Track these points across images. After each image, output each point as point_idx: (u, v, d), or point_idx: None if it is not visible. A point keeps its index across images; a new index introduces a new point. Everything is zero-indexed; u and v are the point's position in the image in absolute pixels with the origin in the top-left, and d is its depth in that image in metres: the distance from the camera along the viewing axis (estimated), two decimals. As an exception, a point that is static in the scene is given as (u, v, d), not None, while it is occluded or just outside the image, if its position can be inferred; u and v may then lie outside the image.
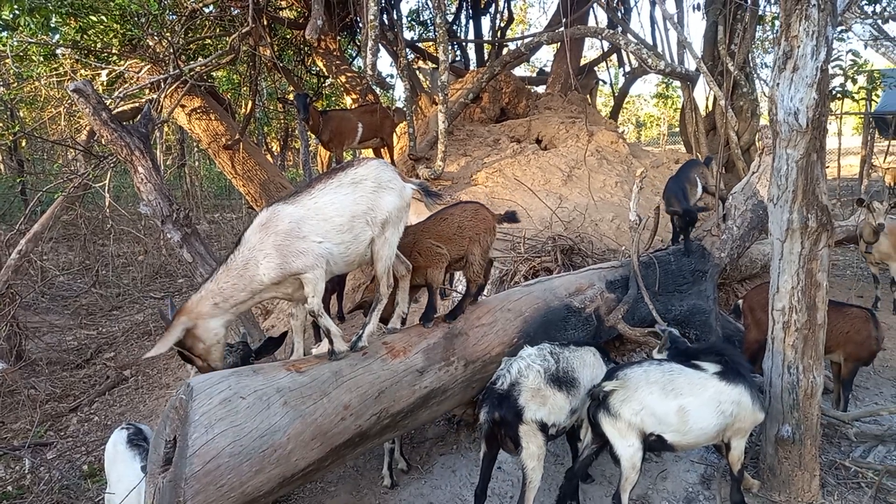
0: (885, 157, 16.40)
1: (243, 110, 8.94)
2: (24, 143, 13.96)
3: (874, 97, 14.36)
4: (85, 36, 6.60)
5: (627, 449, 3.40)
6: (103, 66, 6.83)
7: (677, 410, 3.37)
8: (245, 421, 2.68)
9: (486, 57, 11.37)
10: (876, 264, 7.01)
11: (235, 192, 18.96)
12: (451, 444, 4.74)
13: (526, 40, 8.66)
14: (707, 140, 8.20)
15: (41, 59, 6.89)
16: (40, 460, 5.48)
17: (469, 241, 3.75)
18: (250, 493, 2.68)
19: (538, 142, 8.56)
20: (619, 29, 8.98)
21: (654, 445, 3.48)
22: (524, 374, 3.46)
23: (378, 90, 8.30)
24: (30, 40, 6.23)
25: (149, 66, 7.39)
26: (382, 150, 7.94)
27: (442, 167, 7.46)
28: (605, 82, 13.82)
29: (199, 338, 2.94)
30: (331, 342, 3.15)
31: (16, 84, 7.67)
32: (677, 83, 11.30)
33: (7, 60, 8.12)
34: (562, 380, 3.54)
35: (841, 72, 9.73)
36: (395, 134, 8.00)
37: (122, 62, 7.30)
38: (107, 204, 7.47)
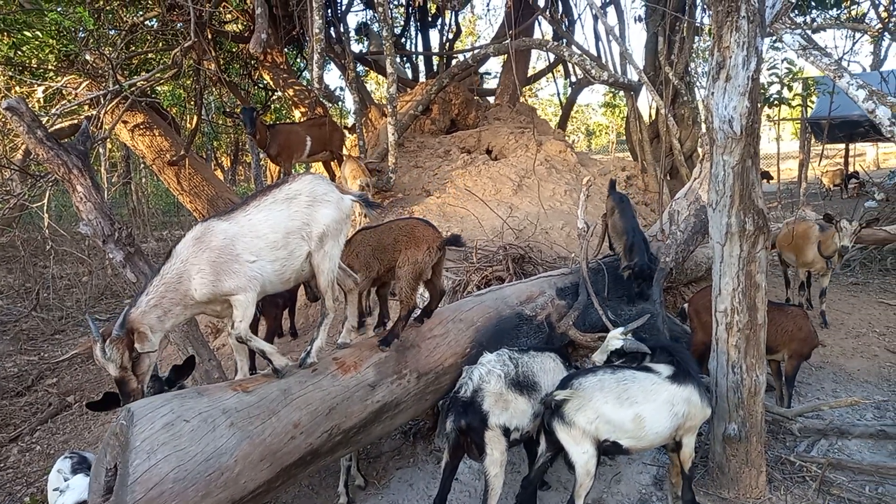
0: (821, 161, 17.11)
1: (189, 125, 8.76)
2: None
3: (809, 103, 14.98)
4: (19, 52, 6.37)
5: (582, 455, 3.43)
6: (39, 82, 6.60)
7: (633, 418, 3.42)
8: (189, 444, 2.61)
9: (434, 69, 11.44)
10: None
11: (184, 209, 18.56)
12: (408, 457, 4.71)
13: (473, 52, 8.75)
14: (651, 147, 8.42)
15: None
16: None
17: (400, 256, 3.66)
18: (197, 519, 2.60)
19: (488, 152, 8.64)
20: (564, 41, 9.16)
21: (609, 450, 3.53)
22: (486, 379, 3.49)
23: (327, 103, 8.24)
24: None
25: (87, 82, 7.17)
26: (332, 163, 7.89)
27: (393, 179, 7.45)
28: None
29: (149, 353, 2.81)
30: (270, 362, 3.09)
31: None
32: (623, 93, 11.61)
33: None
34: (522, 384, 3.58)
35: (777, 80, 10.13)
36: (345, 147, 7.95)
37: (60, 78, 7.07)
38: (45, 224, 7.19)
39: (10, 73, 6.58)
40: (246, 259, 2.92)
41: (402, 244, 3.69)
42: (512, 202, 7.27)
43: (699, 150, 8.35)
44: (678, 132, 8.30)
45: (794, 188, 16.61)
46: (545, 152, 8.21)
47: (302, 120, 8.17)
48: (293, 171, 7.76)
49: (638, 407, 3.43)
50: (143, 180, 20.43)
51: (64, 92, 7.21)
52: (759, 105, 3.94)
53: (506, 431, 3.47)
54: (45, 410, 6.66)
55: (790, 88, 10.79)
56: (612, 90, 21.40)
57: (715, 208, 3.89)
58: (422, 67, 12.09)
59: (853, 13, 10.60)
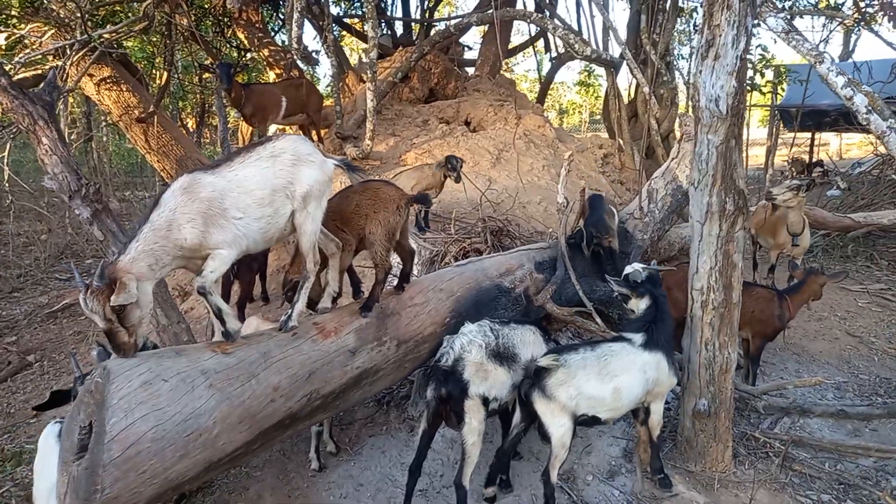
0: (791, 149, 17.44)
1: (158, 82, 8.47)
2: None
3: (780, 91, 15.20)
4: (-21, -6, 6.03)
5: (559, 428, 3.48)
6: (1, 29, 6.27)
7: (612, 392, 3.50)
8: (168, 404, 2.55)
9: (413, 37, 11.24)
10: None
11: (148, 168, 18.00)
12: (381, 424, 4.72)
13: (454, 21, 8.62)
14: (629, 127, 8.45)
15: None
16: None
17: (368, 221, 3.61)
18: (174, 479, 2.56)
19: (467, 123, 8.57)
20: (547, 14, 9.08)
21: (586, 423, 3.61)
22: (467, 349, 3.51)
23: (303, 65, 8.03)
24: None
25: (53, 31, 6.85)
26: (310, 127, 7.73)
27: (370, 146, 7.34)
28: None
29: (137, 303, 2.70)
30: (223, 322, 3.02)
31: None
32: (600, 71, 11.59)
33: None
34: (503, 355, 3.60)
35: (750, 66, 10.23)
36: (321, 111, 7.79)
37: (24, 26, 6.73)
38: (5, 178, 6.90)
39: (-30, 17, 6.24)
40: (233, 215, 2.87)
41: (366, 209, 3.63)
42: (490, 175, 7.24)
43: (676, 130, 8.43)
44: (657, 112, 8.35)
45: (759, 174, 16.93)
46: (524, 126, 8.18)
47: (278, 80, 7.97)
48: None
49: (617, 380, 3.51)
50: (105, 139, 19.75)
51: (28, 41, 6.87)
52: (745, 86, 3.97)
53: (485, 401, 3.50)
54: (5, 369, 6.46)
55: (762, 75, 10.90)
56: (588, 68, 21.36)
57: (697, 187, 3.93)
58: (399, 35, 11.88)
59: (830, 1, 10.71)
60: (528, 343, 3.83)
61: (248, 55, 10.51)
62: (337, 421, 4.69)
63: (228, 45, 10.63)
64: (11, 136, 6.23)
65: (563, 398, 3.46)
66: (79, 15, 6.52)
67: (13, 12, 6.43)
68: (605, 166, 8.32)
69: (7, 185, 7.29)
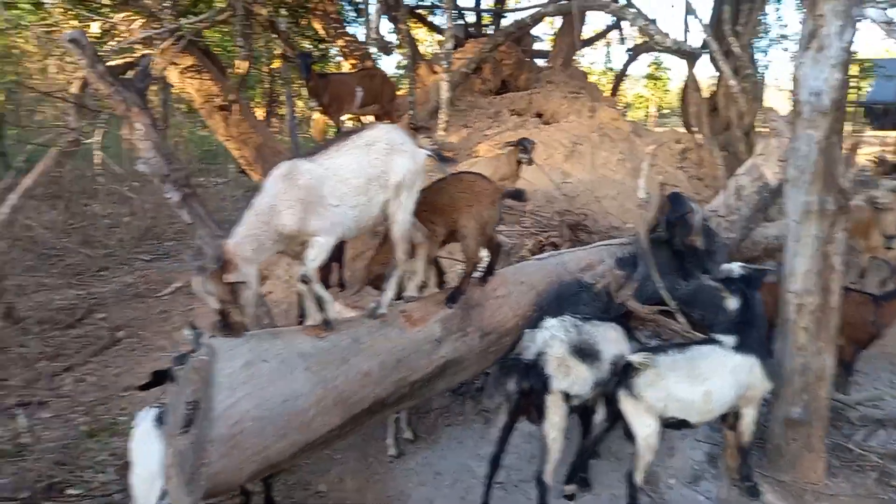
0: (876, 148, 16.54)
1: (238, 70, 8.70)
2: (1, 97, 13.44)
3: (865, 86, 14.42)
4: (78, -16, 6.33)
5: (645, 429, 3.43)
6: (95, 18, 6.56)
7: (703, 395, 3.42)
8: (268, 385, 2.63)
9: (484, 27, 11.15)
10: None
11: (221, 156, 18.59)
12: (457, 415, 4.74)
13: (530, 11, 8.52)
14: (709, 121, 8.17)
15: (29, 6, 6.60)
16: (36, 419, 5.39)
17: (461, 214, 3.58)
18: (272, 459, 2.64)
19: (539, 116, 8.48)
20: (627, 2, 8.85)
21: (673, 425, 3.53)
22: (549, 343, 3.47)
23: (380, 56, 8.08)
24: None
25: (143, 21, 7.12)
26: (383, 118, 7.80)
27: (444, 137, 7.35)
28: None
29: (246, 284, 2.79)
30: (324, 310, 3.07)
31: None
32: (668, 64, 11.22)
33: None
34: (584, 352, 3.55)
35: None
36: (394, 101, 7.84)
37: (115, 15, 7.02)
38: (98, 161, 7.24)
39: (67, 6, 6.55)
40: (329, 203, 2.92)
41: (460, 201, 3.62)
42: (563, 168, 7.15)
43: (759, 126, 8.13)
44: (744, 105, 8.03)
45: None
46: (598, 119, 8.04)
47: (353, 71, 8.07)
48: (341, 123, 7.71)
49: (708, 383, 3.43)
50: (180, 125, 20.42)
51: (117, 30, 7.16)
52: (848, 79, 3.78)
53: (566, 397, 3.46)
54: (97, 344, 6.80)
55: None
56: (657, 61, 20.75)
57: (794, 185, 3.76)
58: (471, 26, 11.80)
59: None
60: (611, 340, 3.77)
61: (322, 46, 10.69)
62: (414, 409, 4.73)
63: (302, 36, 10.81)
64: (104, 121, 6.49)
65: (651, 399, 3.41)
66: (166, 4, 6.77)
67: (105, 1, 6.71)
68: (683, 161, 8.09)
69: (98, 168, 7.61)
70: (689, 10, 6.86)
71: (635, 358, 3.45)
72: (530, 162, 5.96)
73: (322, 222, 2.90)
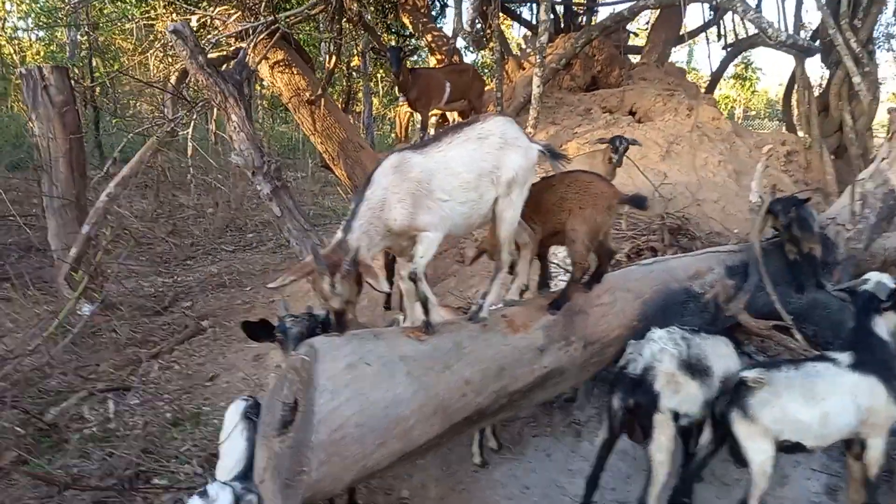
0: None
1: (328, 64, 8.73)
2: (98, 91, 14.06)
3: None
4: (179, -22, 6.47)
5: (760, 454, 3.11)
6: (195, 9, 6.68)
7: (820, 417, 3.09)
8: (371, 389, 2.48)
9: (575, 22, 10.79)
10: None
11: (300, 150, 18.95)
12: (545, 426, 4.51)
13: (627, 4, 8.15)
14: (820, 121, 7.58)
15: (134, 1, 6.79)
16: (124, 405, 5.50)
17: (571, 216, 3.33)
18: (371, 468, 2.49)
19: (632, 114, 8.10)
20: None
21: (787, 449, 3.21)
22: (658, 357, 3.21)
23: (470, 50, 7.90)
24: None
25: (238, 14, 7.21)
26: (470, 113, 7.63)
27: (532, 134, 7.10)
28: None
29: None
30: (427, 312, 2.90)
31: (106, 25, 7.62)
32: (759, 63, 10.57)
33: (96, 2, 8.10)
34: (694, 367, 3.26)
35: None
36: (482, 97, 7.65)
37: (213, 7, 7.15)
38: (190, 153, 7.39)
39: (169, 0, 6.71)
40: (439, 197, 2.77)
41: (571, 202, 3.37)
42: (659, 169, 6.77)
43: (879, 126, 7.48)
44: (853, 106, 7.43)
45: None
46: (697, 118, 7.59)
47: (442, 66, 7.93)
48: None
49: (824, 404, 3.09)
50: (260, 121, 20.98)
51: (216, 22, 7.29)
52: None
53: (675, 416, 3.19)
54: (183, 332, 6.94)
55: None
56: (746, 60, 19.75)
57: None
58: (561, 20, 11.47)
59: None
60: (721, 356, 3.46)
61: (410, 40, 10.63)
62: (501, 417, 4.54)
63: (388, 32, 10.79)
64: (198, 112, 6.60)
65: (767, 420, 3.08)
66: (264, -2, 6.83)
67: (204, -6, 6.84)
68: (789, 165, 7.53)
69: (191, 159, 7.78)
70: (818, 5, 6.26)
71: (750, 375, 3.14)
72: (618, 163, 5.63)
73: (431, 217, 2.74)
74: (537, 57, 6.57)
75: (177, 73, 7.23)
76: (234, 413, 3.55)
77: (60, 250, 6.61)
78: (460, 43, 8.53)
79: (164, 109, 6.62)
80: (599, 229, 3.35)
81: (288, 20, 6.58)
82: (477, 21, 7.82)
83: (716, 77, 10.54)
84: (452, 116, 8.69)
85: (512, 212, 3.03)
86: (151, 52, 6.81)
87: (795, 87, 8.15)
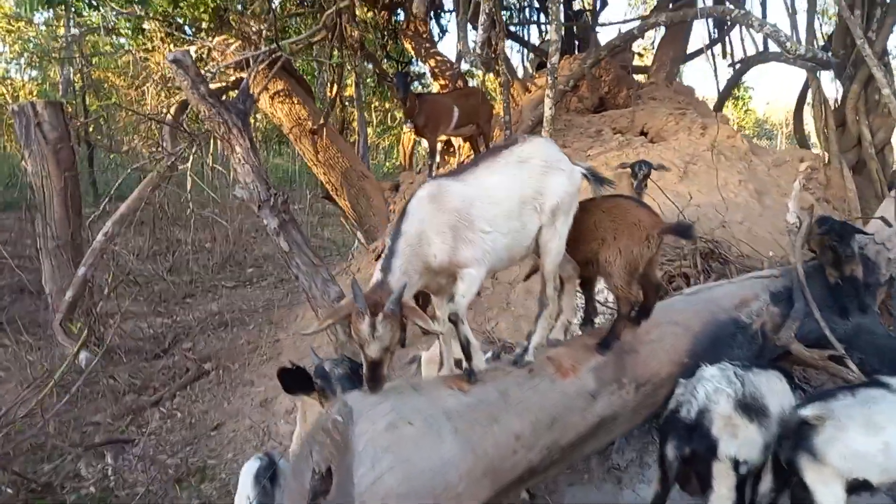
0: None
1: (330, 93, 8.54)
2: (92, 128, 13.80)
3: None
4: (177, 8, 6.24)
5: (832, 499, 2.78)
6: (194, 39, 6.47)
7: (882, 448, 2.75)
8: (414, 453, 2.16)
9: (576, 43, 10.64)
10: None
11: (297, 182, 18.72)
12: (581, 472, 4.15)
13: (632, 23, 7.99)
14: (837, 136, 7.37)
15: (129, 32, 6.57)
16: (123, 459, 5.14)
17: (603, 246, 3.03)
18: (416, 545, 2.15)
19: (644, 134, 7.87)
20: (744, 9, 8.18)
21: (854, 489, 2.89)
22: (713, 399, 2.85)
23: (478, 73, 7.67)
24: (120, 10, 5.89)
25: (238, 43, 7.01)
26: (479, 139, 7.39)
27: (545, 159, 6.85)
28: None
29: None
30: (468, 358, 2.57)
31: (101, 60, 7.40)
32: (751, 83, 10.38)
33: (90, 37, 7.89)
34: (751, 407, 2.91)
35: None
36: (491, 121, 7.43)
37: (212, 38, 6.94)
38: (189, 187, 7.11)
39: (166, 30, 6.49)
40: (480, 228, 2.47)
41: (606, 231, 3.06)
42: (677, 190, 6.51)
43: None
44: (870, 120, 7.23)
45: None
46: (711, 137, 7.36)
47: (448, 90, 7.73)
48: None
49: (884, 433, 2.77)
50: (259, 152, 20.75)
51: (214, 53, 7.08)
52: None
53: (735, 464, 2.85)
54: (184, 376, 6.58)
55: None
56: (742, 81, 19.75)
57: None
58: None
59: None
60: (776, 392, 3.11)
61: (408, 66, 10.46)
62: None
63: (388, 59, 10.63)
64: (197, 145, 6.34)
65: (835, 459, 2.76)
66: (262, 27, 6.62)
67: (203, 24, 6.62)
68: (808, 182, 7.30)
69: (190, 193, 7.50)
70: (843, 13, 6.03)
71: (810, 412, 2.82)
72: (641, 188, 5.34)
73: (473, 251, 2.44)
74: (548, 78, 6.35)
75: (176, 105, 6.99)
76: (247, 476, 3.24)
77: (55, 293, 6.28)
78: (465, 66, 8.33)
79: (163, 143, 6.37)
80: (637, 261, 3.02)
81: (291, 47, 6.34)
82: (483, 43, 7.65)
83: (723, 95, 10.39)
84: (457, 142, 8.49)
85: (557, 242, 2.76)
86: (149, 84, 6.58)
87: (808, 102, 7.96)
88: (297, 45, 6.70)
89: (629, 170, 5.40)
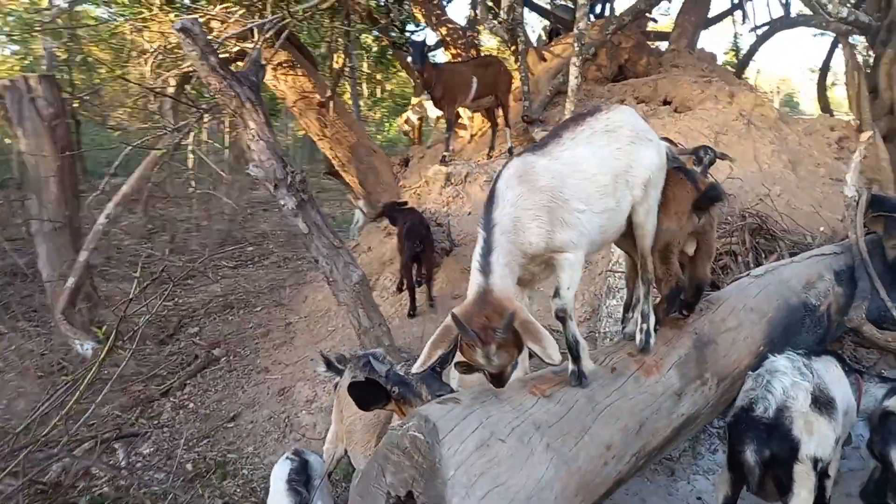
0: None
1: (336, 64, 8.11)
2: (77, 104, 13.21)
3: None
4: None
5: None
6: (194, 8, 6.02)
7: None
8: (509, 475, 1.87)
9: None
10: None
11: (292, 158, 18.25)
12: (634, 464, 3.91)
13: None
14: (871, 105, 7.07)
15: (126, 0, 6.11)
16: (136, 455, 4.85)
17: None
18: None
19: (667, 103, 7.52)
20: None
21: None
22: (791, 395, 2.56)
23: (502, 39, 7.20)
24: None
25: (242, 11, 6.55)
26: (497, 110, 7.03)
27: (569, 130, 6.50)
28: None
29: None
30: (577, 359, 2.27)
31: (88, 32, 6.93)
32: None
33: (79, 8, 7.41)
34: (820, 401, 2.63)
35: None
36: (510, 92, 7.06)
37: (213, 6, 6.47)
38: (190, 164, 6.71)
39: (164, -2, 6.05)
40: (575, 207, 2.17)
41: None
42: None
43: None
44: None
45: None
46: (739, 105, 7.03)
47: (467, 59, 7.33)
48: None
49: None
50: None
51: (214, 23, 6.62)
52: None
53: (815, 464, 2.57)
54: (193, 363, 6.26)
55: None
56: (736, 47, 19.41)
57: None
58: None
59: None
60: (837, 381, 2.83)
61: (412, 35, 9.98)
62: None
63: (392, 26, 10.14)
64: (197, 121, 5.90)
65: None
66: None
67: (204, -8, 6.17)
68: (841, 151, 7.01)
69: (192, 171, 7.10)
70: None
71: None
72: (704, 175, 4.79)
73: (569, 233, 2.15)
74: (575, 44, 5.98)
75: (177, 78, 6.56)
76: (279, 481, 2.97)
77: (55, 279, 5.91)
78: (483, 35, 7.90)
79: (164, 118, 5.96)
80: (673, 239, 2.71)
81: (300, 14, 5.90)
82: (498, 10, 7.24)
83: (744, 61, 10.02)
84: (465, 113, 8.12)
85: (652, 220, 2.51)
86: (147, 56, 6.13)
87: (844, 68, 7.62)
88: (306, 12, 6.23)
89: (692, 156, 4.93)
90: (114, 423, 5.27)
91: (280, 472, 3.00)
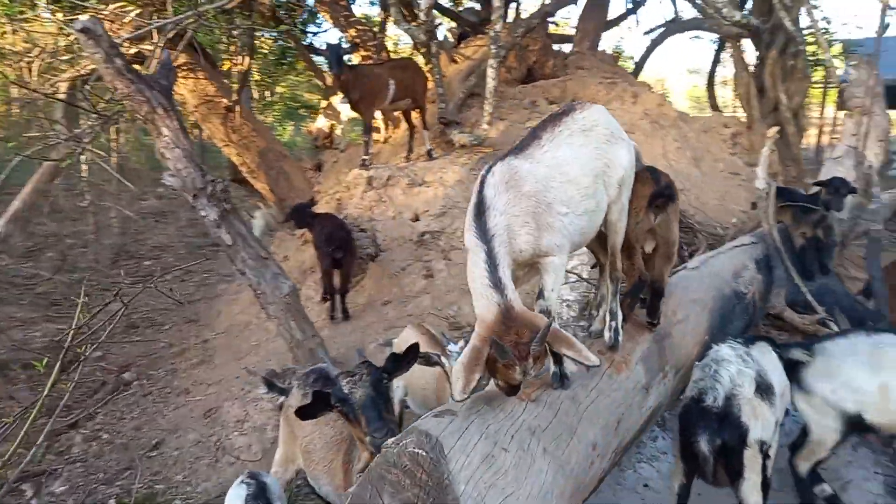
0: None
1: (239, 67, 7.72)
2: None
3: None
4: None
5: (823, 429, 3.05)
6: (85, 5, 5.51)
7: (879, 387, 2.93)
8: (516, 486, 1.83)
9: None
10: None
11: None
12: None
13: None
14: (759, 103, 7.64)
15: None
16: (48, 495, 4.39)
17: None
18: None
19: (576, 104, 7.78)
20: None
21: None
22: (738, 383, 2.66)
23: (420, 42, 7.07)
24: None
25: (137, 11, 6.10)
26: (414, 112, 6.98)
27: (487, 131, 6.57)
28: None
29: None
30: (559, 361, 2.24)
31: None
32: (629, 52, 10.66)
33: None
34: (762, 387, 2.76)
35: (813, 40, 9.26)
36: (426, 94, 7.02)
37: (105, 4, 5.99)
38: (84, 175, 6.16)
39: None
40: (558, 211, 2.16)
41: None
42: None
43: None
44: (787, 85, 7.54)
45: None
46: (643, 105, 7.40)
47: (382, 61, 7.21)
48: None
49: (884, 374, 2.94)
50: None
51: (108, 23, 6.11)
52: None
53: (761, 447, 2.70)
54: (100, 390, 5.77)
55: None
56: (619, 50, 20.53)
57: None
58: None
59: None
60: (772, 365, 3.02)
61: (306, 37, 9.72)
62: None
63: (295, 28, 9.83)
64: (99, 125, 5.43)
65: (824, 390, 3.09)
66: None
67: (95, -10, 5.68)
68: (735, 147, 7.53)
69: (85, 185, 6.52)
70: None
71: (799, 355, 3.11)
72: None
73: (555, 237, 2.13)
74: (492, 46, 6.04)
75: (69, 82, 5.99)
76: (233, 500, 2.76)
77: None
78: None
79: (59, 126, 5.41)
80: (630, 234, 2.75)
81: (210, 13, 5.56)
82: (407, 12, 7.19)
83: (640, 64, 10.56)
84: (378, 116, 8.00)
85: (624, 220, 2.56)
86: (33, 59, 5.53)
87: (733, 70, 8.19)
88: (210, 12, 5.87)
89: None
90: (16, 462, 4.77)
91: (235, 497, 2.79)
